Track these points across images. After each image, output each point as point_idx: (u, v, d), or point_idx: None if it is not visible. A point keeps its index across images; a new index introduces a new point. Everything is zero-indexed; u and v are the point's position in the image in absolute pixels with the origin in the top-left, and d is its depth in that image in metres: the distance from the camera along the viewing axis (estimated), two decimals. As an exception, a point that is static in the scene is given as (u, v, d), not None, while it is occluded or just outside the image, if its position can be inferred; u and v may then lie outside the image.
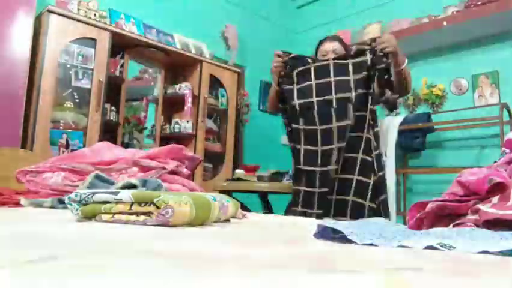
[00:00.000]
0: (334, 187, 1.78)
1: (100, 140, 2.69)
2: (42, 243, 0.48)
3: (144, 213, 0.76)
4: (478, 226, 0.63)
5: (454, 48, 3.48)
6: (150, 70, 3.52)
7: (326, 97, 1.83)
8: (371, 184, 1.77)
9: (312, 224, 1.01)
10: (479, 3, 3.06)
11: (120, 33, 3.02)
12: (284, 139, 4.28)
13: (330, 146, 1.79)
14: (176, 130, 3.41)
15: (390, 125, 3.37)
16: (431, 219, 0.70)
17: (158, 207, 0.74)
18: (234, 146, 3.75)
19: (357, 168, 1.79)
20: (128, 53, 3.18)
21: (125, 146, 3.04)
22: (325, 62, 1.88)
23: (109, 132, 2.93)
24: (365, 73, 1.80)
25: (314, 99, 1.86)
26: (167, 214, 0.73)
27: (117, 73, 3.07)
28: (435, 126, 3.38)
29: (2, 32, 2.51)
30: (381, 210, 1.77)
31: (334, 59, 1.88)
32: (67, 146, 2.68)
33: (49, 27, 2.66)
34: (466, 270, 0.39)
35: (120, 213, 0.77)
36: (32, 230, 0.66)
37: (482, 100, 3.30)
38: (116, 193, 0.78)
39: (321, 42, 2.04)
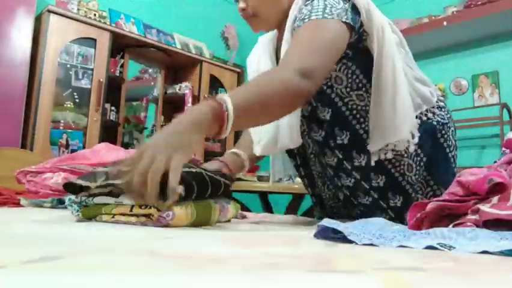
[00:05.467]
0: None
1: (100, 140, 2.69)
2: (43, 243, 0.48)
3: (144, 215, 0.76)
4: (478, 226, 0.63)
5: (454, 48, 3.47)
6: (150, 70, 3.52)
7: None
8: None
9: (312, 224, 1.01)
10: (479, 3, 3.06)
11: (120, 33, 3.02)
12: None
13: None
14: (176, 130, 3.41)
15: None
16: (431, 219, 0.70)
17: (159, 210, 0.74)
18: (234, 146, 3.74)
19: None
20: (128, 53, 3.18)
21: (126, 146, 3.04)
22: None
23: (109, 132, 2.93)
24: None
25: None
26: (167, 217, 0.73)
27: (117, 73, 3.08)
28: (436, 126, 3.38)
29: (2, 32, 2.51)
30: None
31: None
32: (67, 146, 2.68)
33: (49, 27, 2.66)
34: (466, 270, 0.39)
35: (120, 214, 0.77)
36: (32, 230, 0.66)
37: (482, 100, 3.30)
38: (116, 194, 0.78)
39: None
